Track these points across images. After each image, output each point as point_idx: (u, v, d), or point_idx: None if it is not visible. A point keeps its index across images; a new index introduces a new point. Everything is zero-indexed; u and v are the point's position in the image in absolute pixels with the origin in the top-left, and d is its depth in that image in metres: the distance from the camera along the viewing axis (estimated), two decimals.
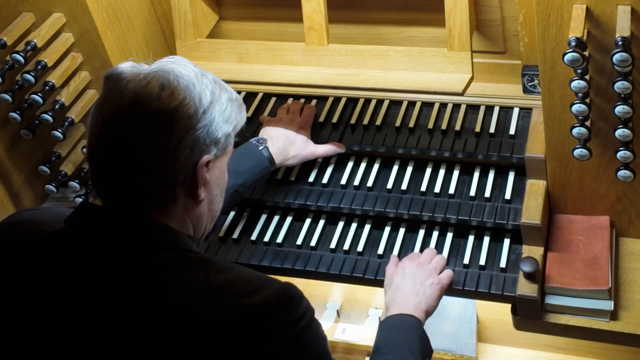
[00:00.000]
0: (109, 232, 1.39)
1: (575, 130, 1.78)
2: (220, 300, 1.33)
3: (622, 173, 1.83)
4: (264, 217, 2.24)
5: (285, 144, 2.14)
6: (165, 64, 1.43)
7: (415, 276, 1.91)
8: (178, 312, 1.30)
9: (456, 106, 2.25)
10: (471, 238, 2.08)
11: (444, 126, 2.20)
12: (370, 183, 2.19)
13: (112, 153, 1.39)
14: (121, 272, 1.34)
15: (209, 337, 1.29)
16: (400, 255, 2.05)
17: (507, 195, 2.07)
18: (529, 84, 2.17)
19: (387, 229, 2.14)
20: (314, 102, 2.36)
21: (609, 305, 1.90)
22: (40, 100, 2.15)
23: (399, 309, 1.84)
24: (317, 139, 2.24)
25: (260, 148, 2.09)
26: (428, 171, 2.19)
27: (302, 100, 2.35)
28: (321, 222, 2.20)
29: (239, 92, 2.44)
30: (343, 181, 2.21)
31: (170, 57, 1.48)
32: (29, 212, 1.67)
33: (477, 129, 2.17)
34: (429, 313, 1.87)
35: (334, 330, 2.70)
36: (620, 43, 1.61)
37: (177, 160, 1.39)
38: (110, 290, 1.33)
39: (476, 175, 2.15)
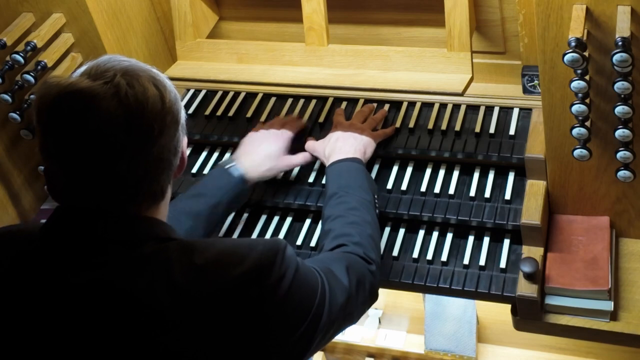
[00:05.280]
0: (92, 232, 1.37)
1: (575, 131, 1.78)
2: (211, 277, 1.35)
3: (622, 173, 1.83)
4: (264, 217, 2.24)
5: (261, 157, 2.13)
6: (120, 62, 1.38)
7: (352, 130, 2.13)
8: (173, 299, 1.32)
9: (456, 106, 2.25)
10: (471, 238, 2.08)
11: (443, 126, 2.20)
12: None
13: (117, 167, 1.35)
14: (106, 271, 1.34)
15: (209, 315, 1.32)
16: (400, 256, 2.06)
17: (507, 196, 2.07)
18: (529, 84, 2.18)
19: (387, 229, 2.14)
20: (313, 102, 2.36)
21: (608, 305, 1.90)
22: None
23: (341, 154, 2.04)
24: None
25: (226, 166, 2.08)
26: (428, 171, 2.19)
27: (293, 115, 2.32)
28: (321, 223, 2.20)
29: (238, 93, 2.46)
30: None
31: (103, 60, 1.42)
32: (10, 226, 1.65)
33: (477, 129, 2.17)
34: (367, 156, 2.09)
35: None
36: (620, 43, 1.61)
37: (177, 153, 1.43)
38: (98, 288, 1.33)
39: (476, 175, 2.15)
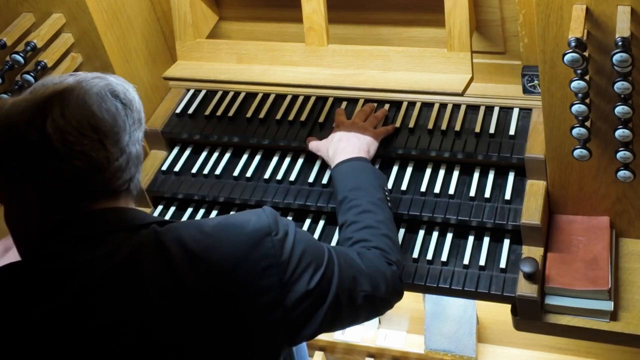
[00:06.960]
0: (99, 226, 1.43)
1: (575, 131, 1.78)
2: (225, 239, 1.43)
3: (622, 173, 1.83)
4: None
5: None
6: (80, 77, 1.51)
7: (353, 130, 2.13)
8: (198, 267, 1.39)
9: (456, 106, 2.25)
10: (471, 238, 2.08)
11: (443, 126, 2.20)
12: None
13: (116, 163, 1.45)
14: (134, 252, 1.40)
15: (229, 275, 1.40)
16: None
17: (507, 196, 2.07)
18: (529, 84, 2.17)
19: None
20: (313, 102, 2.36)
21: (608, 305, 1.90)
22: None
23: (345, 154, 2.04)
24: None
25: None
26: (428, 171, 2.19)
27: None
28: (321, 223, 2.20)
29: (238, 93, 2.46)
30: None
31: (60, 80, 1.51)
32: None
33: (477, 129, 2.17)
34: (370, 154, 2.09)
35: None
36: (620, 43, 1.61)
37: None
38: (126, 268, 1.39)
39: (476, 175, 2.15)
